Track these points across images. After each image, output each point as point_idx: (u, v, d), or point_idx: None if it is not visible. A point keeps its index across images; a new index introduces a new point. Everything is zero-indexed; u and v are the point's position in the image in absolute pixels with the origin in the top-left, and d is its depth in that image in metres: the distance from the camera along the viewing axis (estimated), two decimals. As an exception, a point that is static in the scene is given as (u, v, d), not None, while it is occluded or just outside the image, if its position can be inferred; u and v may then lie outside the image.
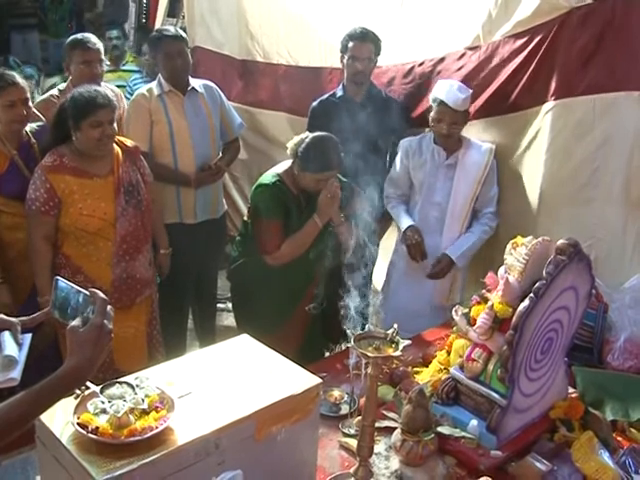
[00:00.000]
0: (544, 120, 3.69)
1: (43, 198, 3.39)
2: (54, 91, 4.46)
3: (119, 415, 1.82)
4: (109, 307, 1.71)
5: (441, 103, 3.84)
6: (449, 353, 2.89)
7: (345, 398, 2.85)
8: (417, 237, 3.99)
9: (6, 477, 2.82)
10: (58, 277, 1.82)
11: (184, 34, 4.49)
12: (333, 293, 3.60)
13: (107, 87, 4.56)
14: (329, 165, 3.50)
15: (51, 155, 3.44)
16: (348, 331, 2.24)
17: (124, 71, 6.87)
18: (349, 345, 2.20)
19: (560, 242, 2.48)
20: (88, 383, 1.95)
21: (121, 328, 3.59)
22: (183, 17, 6.46)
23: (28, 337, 1.87)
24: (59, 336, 3.64)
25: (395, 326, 2.20)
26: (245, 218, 3.82)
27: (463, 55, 4.12)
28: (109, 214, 3.48)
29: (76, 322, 1.66)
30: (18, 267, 3.71)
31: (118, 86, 5.22)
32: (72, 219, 3.43)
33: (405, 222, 4.06)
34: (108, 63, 4.61)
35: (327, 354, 3.99)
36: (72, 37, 4.42)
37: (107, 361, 3.60)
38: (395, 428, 2.49)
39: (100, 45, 4.38)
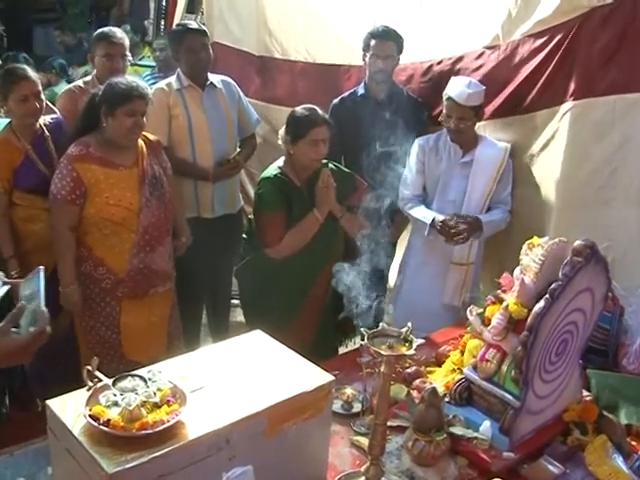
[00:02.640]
0: (562, 120, 3.66)
1: (70, 187, 3.41)
2: (78, 83, 4.48)
3: (131, 408, 1.82)
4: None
5: (449, 98, 3.85)
6: (463, 353, 2.88)
7: (357, 396, 2.84)
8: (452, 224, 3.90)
9: (18, 467, 2.83)
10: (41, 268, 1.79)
11: (206, 28, 4.48)
12: (346, 287, 3.64)
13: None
14: (314, 120, 3.51)
15: (77, 145, 3.46)
16: (362, 329, 2.22)
17: (139, 66, 6.89)
18: (362, 343, 2.19)
19: (577, 243, 2.46)
20: (100, 375, 1.96)
21: (132, 318, 3.65)
22: (202, 13, 6.48)
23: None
24: (75, 327, 3.66)
25: (409, 324, 2.19)
26: (250, 216, 3.83)
27: (482, 54, 4.10)
28: (134, 204, 3.50)
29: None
30: (35, 258, 3.73)
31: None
32: (97, 208, 3.45)
33: (431, 214, 3.98)
34: (131, 59, 4.61)
35: (340, 349, 4.00)
36: (100, 30, 4.49)
37: (117, 352, 3.63)
38: (407, 427, 2.48)
39: (126, 40, 4.43)
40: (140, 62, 7.19)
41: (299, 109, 3.61)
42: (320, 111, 3.57)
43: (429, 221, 3.94)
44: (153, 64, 7.02)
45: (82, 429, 1.84)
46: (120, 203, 3.47)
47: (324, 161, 3.67)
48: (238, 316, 4.83)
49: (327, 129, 3.55)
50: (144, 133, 3.66)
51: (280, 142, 3.64)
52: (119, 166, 3.51)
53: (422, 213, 4.02)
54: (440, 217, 3.90)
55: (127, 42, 4.46)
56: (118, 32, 4.43)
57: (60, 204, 3.44)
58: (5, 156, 3.68)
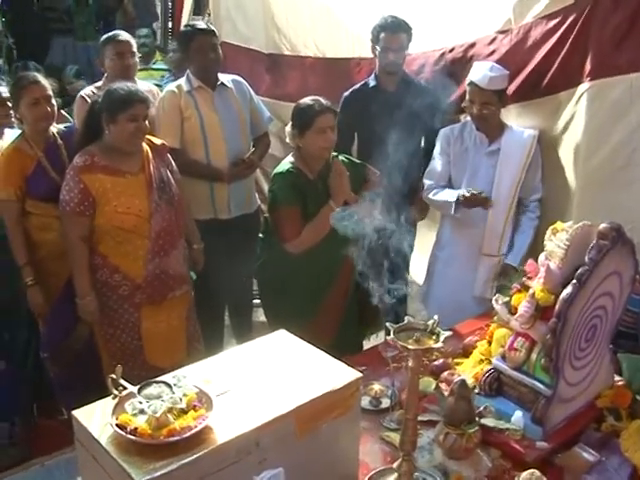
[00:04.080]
0: (580, 102, 3.61)
1: (78, 199, 3.38)
2: (90, 88, 4.49)
3: (157, 415, 1.80)
4: None
5: (471, 83, 3.80)
6: (490, 343, 2.85)
7: (385, 392, 2.81)
8: (473, 191, 3.86)
9: (50, 478, 2.84)
10: None
11: (214, 28, 4.46)
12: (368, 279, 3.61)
13: (145, 84, 4.62)
14: (319, 109, 3.48)
15: (82, 155, 3.44)
16: (387, 324, 2.18)
17: (154, 69, 6.90)
18: (388, 338, 2.16)
19: (602, 226, 2.42)
20: (125, 383, 1.94)
21: (153, 323, 3.64)
22: (209, 14, 6.46)
23: None
24: (95, 336, 3.65)
25: (436, 317, 2.16)
26: (266, 214, 3.80)
27: (494, 39, 4.04)
28: (144, 210, 3.48)
29: None
30: (49, 267, 3.74)
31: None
32: (107, 218, 3.42)
33: (453, 193, 3.93)
34: (140, 55, 4.64)
35: (365, 343, 3.97)
36: (104, 35, 4.58)
37: (139, 358, 3.63)
38: (437, 421, 2.45)
39: (131, 39, 4.50)
40: (153, 66, 7.17)
41: (302, 101, 3.58)
42: (324, 100, 3.54)
43: (454, 198, 3.88)
44: (165, 67, 7.01)
45: (109, 438, 1.83)
46: (129, 211, 3.44)
47: (334, 153, 3.65)
48: (261, 316, 4.80)
49: (333, 116, 3.53)
50: (148, 137, 3.63)
51: (288, 139, 3.63)
52: (125, 173, 3.48)
53: (447, 194, 3.96)
54: (465, 191, 3.86)
55: (134, 41, 4.52)
56: (122, 32, 4.53)
57: (70, 216, 3.43)
58: (17, 164, 3.67)
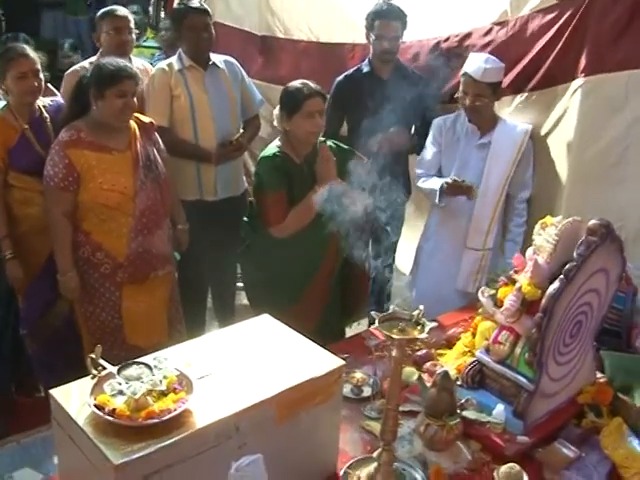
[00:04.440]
0: (573, 97, 3.60)
1: (62, 174, 3.34)
2: (84, 63, 4.43)
3: (136, 397, 1.78)
4: None
5: (465, 74, 3.78)
6: (474, 335, 2.85)
7: (367, 380, 2.79)
8: (458, 180, 3.83)
9: (26, 455, 2.81)
10: None
11: (208, 8, 4.41)
12: (352, 266, 3.59)
13: (139, 61, 4.61)
14: (308, 92, 3.45)
15: (68, 130, 3.39)
16: (372, 313, 2.16)
17: (145, 47, 6.83)
18: (372, 326, 2.14)
19: (592, 222, 2.40)
20: (104, 363, 1.91)
21: (134, 303, 3.60)
22: (202, -8, 6.39)
23: None
24: (75, 313, 3.62)
25: (421, 307, 2.14)
26: (251, 199, 3.78)
27: (490, 30, 4.03)
28: (129, 188, 3.44)
29: None
30: (30, 242, 3.68)
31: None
32: (92, 194, 3.39)
33: (439, 181, 3.91)
34: (137, 32, 4.60)
35: (347, 330, 3.96)
36: (102, 10, 4.52)
37: (118, 337, 3.60)
38: (419, 412, 2.43)
39: (129, 14, 4.45)
40: (144, 44, 7.11)
41: (291, 84, 3.55)
42: (313, 84, 3.51)
43: (438, 186, 3.86)
44: (156, 45, 6.95)
45: (87, 419, 1.80)
46: (114, 188, 3.40)
47: (322, 138, 3.62)
48: (244, 299, 4.78)
49: (321, 101, 3.50)
50: (136, 115, 3.59)
51: (275, 122, 3.60)
52: (112, 150, 3.44)
53: (433, 182, 3.95)
54: (448, 179, 3.84)
55: (132, 17, 4.47)
56: (120, 7, 4.47)
57: (53, 191, 3.39)
58: (1, 135, 3.62)
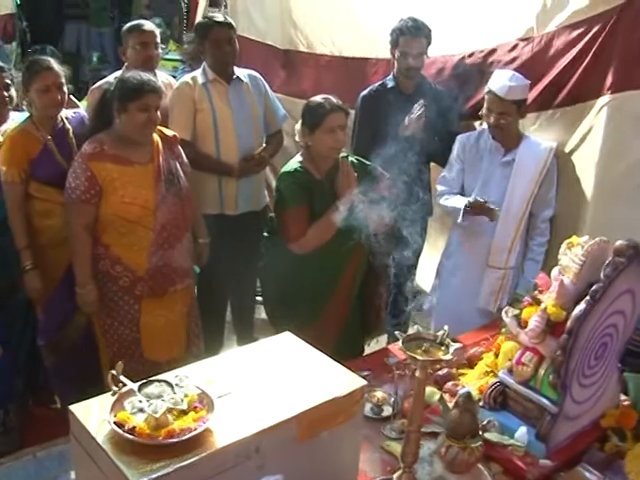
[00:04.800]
0: (599, 115, 3.56)
1: (84, 186, 3.34)
2: (109, 78, 4.42)
3: (157, 415, 1.75)
4: None
5: (489, 92, 3.75)
6: (497, 355, 2.80)
7: (388, 399, 2.76)
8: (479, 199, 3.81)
9: (41, 469, 2.79)
10: None
11: (233, 21, 4.41)
12: (372, 283, 3.56)
13: (163, 75, 4.63)
14: (330, 107, 3.43)
15: (91, 143, 3.39)
16: (397, 333, 2.14)
17: (167, 60, 6.86)
18: (396, 346, 2.12)
19: (619, 243, 2.37)
20: (125, 380, 1.89)
21: (152, 317, 3.58)
22: (225, 6, 6.41)
23: None
24: (93, 326, 3.62)
25: (446, 328, 2.11)
26: (271, 214, 3.76)
27: (515, 46, 4.01)
28: (150, 202, 3.43)
29: None
30: (49, 254, 3.68)
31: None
32: (113, 207, 3.38)
33: (463, 199, 3.87)
34: (164, 46, 4.61)
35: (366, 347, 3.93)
36: (128, 24, 4.52)
37: (136, 351, 3.59)
38: (439, 433, 2.40)
39: (155, 29, 4.45)
40: (167, 56, 7.14)
41: (314, 98, 3.53)
42: (335, 98, 3.50)
43: (462, 205, 3.82)
44: (179, 58, 6.99)
45: (106, 436, 1.77)
46: (135, 201, 3.39)
47: (344, 154, 3.60)
48: (262, 314, 4.77)
49: (343, 116, 3.48)
50: (159, 128, 3.58)
51: (297, 138, 3.58)
52: (134, 163, 3.43)
53: (457, 200, 3.92)
54: (472, 198, 3.80)
55: (158, 32, 4.47)
56: (147, 22, 4.47)
57: (75, 203, 3.38)
58: (23, 146, 3.63)
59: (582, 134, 3.70)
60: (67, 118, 3.79)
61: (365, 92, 4.35)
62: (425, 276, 4.65)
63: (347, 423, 2.08)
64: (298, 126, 3.55)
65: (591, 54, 3.59)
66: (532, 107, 3.89)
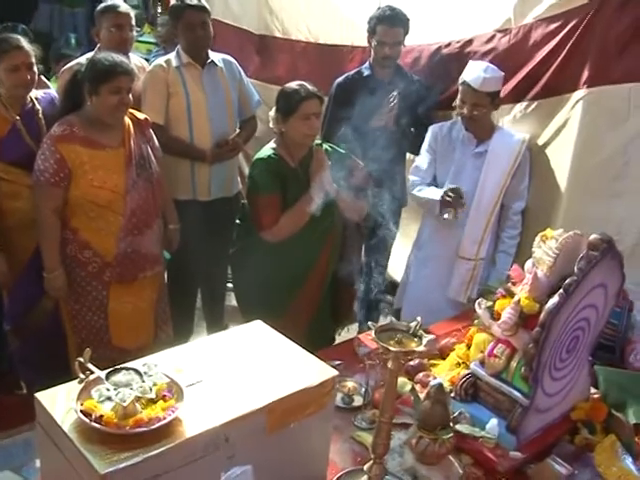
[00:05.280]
0: (575, 108, 3.57)
1: (53, 169, 3.28)
2: (81, 59, 4.34)
3: (125, 404, 1.72)
4: None
5: (464, 83, 3.74)
6: (469, 347, 2.79)
7: (359, 389, 2.74)
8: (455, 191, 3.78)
9: (6, 457, 2.75)
10: None
11: (207, 5, 4.35)
12: (343, 272, 3.55)
13: (136, 58, 4.56)
14: (305, 94, 3.41)
15: (60, 125, 3.33)
16: (369, 323, 2.12)
17: (141, 42, 6.76)
18: (368, 337, 2.10)
19: (593, 237, 2.36)
20: (92, 367, 1.86)
21: (120, 303, 3.56)
22: (201, -11, 6.34)
23: None
24: (60, 311, 3.56)
25: (419, 319, 2.10)
26: (243, 201, 3.73)
27: (492, 37, 4.01)
28: (120, 186, 3.38)
29: None
30: (17, 237, 3.62)
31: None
32: (82, 191, 3.33)
33: (438, 190, 3.85)
34: (138, 29, 4.52)
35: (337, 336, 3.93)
36: (102, 4, 4.41)
37: (104, 338, 3.55)
38: (410, 424, 2.39)
39: (130, 11, 4.36)
40: (141, 38, 7.04)
41: (288, 85, 3.51)
42: (310, 85, 3.47)
43: (438, 197, 3.80)
44: (153, 40, 6.90)
45: (73, 425, 1.73)
46: (105, 185, 3.34)
47: (318, 141, 3.58)
48: (233, 300, 4.75)
49: (318, 103, 3.46)
50: (131, 111, 3.53)
51: (271, 124, 3.55)
52: (105, 146, 3.38)
53: (431, 192, 3.90)
54: (448, 189, 3.78)
55: (133, 14, 4.38)
56: (122, 3, 4.38)
57: (43, 186, 3.32)
58: None
59: (557, 127, 3.71)
60: (37, 98, 3.71)
61: (340, 79, 4.33)
62: (397, 266, 4.64)
63: (318, 414, 2.06)
64: (272, 113, 3.52)
65: (568, 47, 3.60)
66: (508, 99, 3.90)
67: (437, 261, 4.04)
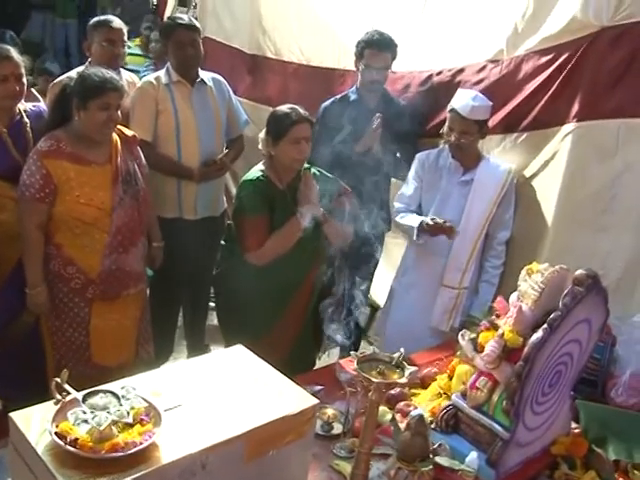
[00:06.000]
0: (564, 141, 3.58)
1: (39, 184, 3.24)
2: (71, 74, 4.31)
3: (101, 428, 1.68)
4: None
5: (452, 110, 3.75)
6: (451, 378, 2.77)
7: (339, 417, 2.71)
8: (437, 220, 3.76)
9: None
10: None
11: (198, 24, 4.35)
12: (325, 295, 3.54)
13: (127, 74, 4.53)
14: (296, 118, 3.40)
15: (47, 140, 3.30)
16: (352, 353, 2.10)
17: (137, 55, 6.76)
18: (344, 360, 2.09)
19: (578, 272, 2.36)
20: (69, 389, 1.82)
21: (103, 321, 3.50)
22: (194, 6, 6.37)
23: None
24: (41, 327, 3.51)
25: (402, 350, 2.08)
26: (229, 222, 3.72)
27: (484, 67, 4.01)
28: (106, 203, 3.35)
29: None
30: (0, 249, 3.55)
31: (132, 70, 5.13)
32: (68, 207, 3.29)
33: (418, 218, 3.84)
34: (130, 45, 4.50)
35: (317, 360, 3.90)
36: (95, 18, 4.41)
37: (84, 355, 3.50)
38: (390, 454, 2.36)
39: (124, 27, 4.34)
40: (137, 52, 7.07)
41: (280, 108, 3.50)
42: (301, 109, 3.46)
43: (417, 224, 3.79)
44: (140, 52, 6.90)
45: (47, 447, 1.71)
46: (91, 202, 3.31)
47: (306, 165, 3.57)
48: (214, 320, 4.72)
49: (309, 127, 3.45)
50: (119, 127, 3.51)
51: (260, 146, 3.54)
52: (91, 163, 3.35)
53: (412, 219, 3.89)
54: (428, 219, 3.77)
55: (125, 29, 4.36)
56: (115, 18, 4.35)
57: (28, 201, 3.28)
58: None
59: (546, 159, 3.71)
60: (26, 111, 3.67)
61: (327, 103, 4.32)
62: (380, 291, 4.63)
63: (297, 442, 2.04)
64: (262, 135, 3.51)
65: (559, 81, 3.60)
66: (497, 130, 3.90)
67: (420, 289, 4.02)
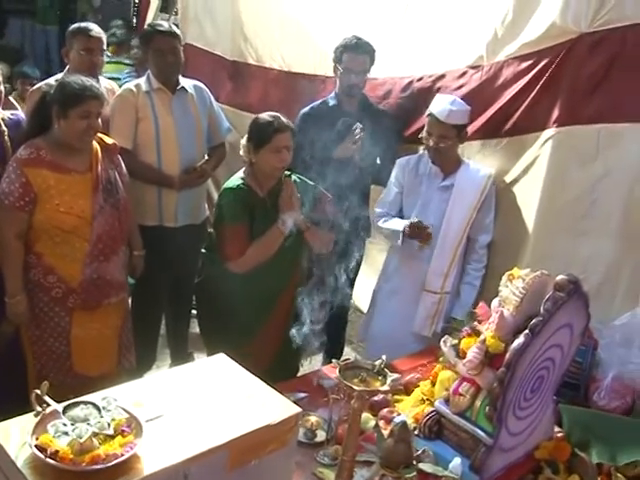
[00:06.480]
0: (544, 147, 3.60)
1: (18, 193, 3.21)
2: (49, 81, 4.28)
3: (82, 440, 1.67)
4: None
5: (430, 114, 3.76)
6: (433, 384, 2.78)
7: (322, 424, 2.71)
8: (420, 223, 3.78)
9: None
10: None
11: (178, 31, 4.33)
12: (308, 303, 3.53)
13: (106, 82, 4.49)
14: (278, 127, 3.41)
15: (27, 148, 3.27)
16: (334, 360, 2.10)
17: (124, 63, 6.71)
18: (326, 367, 2.08)
19: (559, 278, 2.37)
20: (49, 400, 1.80)
21: (84, 330, 3.48)
22: (175, 13, 6.37)
23: None
24: (21, 336, 3.47)
25: (384, 357, 2.08)
26: (210, 230, 3.70)
27: (464, 73, 4.03)
28: (86, 212, 3.33)
29: None
30: None
31: (112, 78, 5.10)
32: (47, 216, 3.26)
33: (402, 222, 3.86)
34: (109, 54, 4.46)
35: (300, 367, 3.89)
36: (75, 25, 4.35)
37: (65, 365, 3.47)
38: (373, 462, 2.36)
39: (103, 35, 4.31)
40: (125, 60, 7.01)
41: (262, 115, 3.51)
42: (284, 118, 3.47)
43: (402, 227, 3.81)
44: (121, 60, 6.86)
45: (26, 460, 1.68)
46: (71, 211, 3.28)
47: (287, 172, 3.57)
48: (197, 327, 4.71)
49: (290, 136, 3.46)
50: (99, 135, 3.48)
51: (242, 152, 3.54)
52: (71, 171, 3.32)
53: (395, 223, 3.90)
54: (414, 218, 3.79)
55: (105, 38, 4.33)
56: (95, 26, 4.30)
57: (8, 210, 3.25)
58: None
59: (526, 164, 3.73)
60: (3, 119, 3.64)
61: (306, 109, 4.32)
62: (362, 297, 4.63)
63: (280, 451, 2.03)
64: (244, 141, 3.50)
65: (539, 86, 3.62)
66: (478, 135, 3.92)
67: (403, 294, 4.02)
